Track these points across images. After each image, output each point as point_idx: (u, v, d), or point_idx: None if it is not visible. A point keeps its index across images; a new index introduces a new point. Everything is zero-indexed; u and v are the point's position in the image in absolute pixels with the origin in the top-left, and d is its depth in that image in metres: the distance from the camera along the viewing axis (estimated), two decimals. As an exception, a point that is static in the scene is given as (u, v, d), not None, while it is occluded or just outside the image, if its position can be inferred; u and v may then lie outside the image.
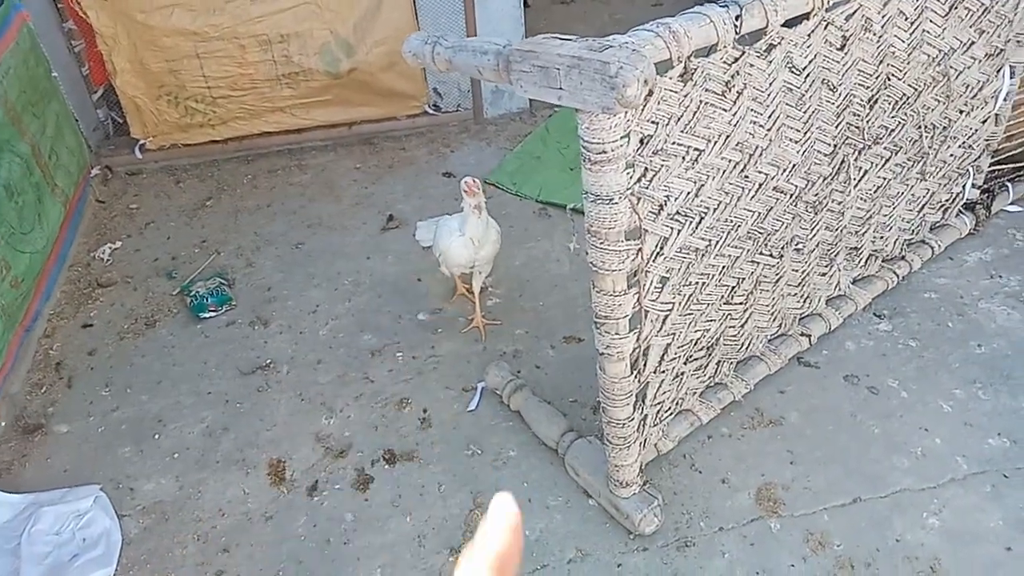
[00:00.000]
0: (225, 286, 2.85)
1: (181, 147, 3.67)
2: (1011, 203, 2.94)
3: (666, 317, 1.84)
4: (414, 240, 2.75)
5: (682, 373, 2.03)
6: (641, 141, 1.56)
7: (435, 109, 3.75)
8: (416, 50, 1.72)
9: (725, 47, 1.62)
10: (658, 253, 1.73)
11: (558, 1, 5.09)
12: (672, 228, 1.74)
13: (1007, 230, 2.88)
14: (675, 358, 1.96)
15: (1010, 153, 2.87)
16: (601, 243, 1.54)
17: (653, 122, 1.57)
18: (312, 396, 2.41)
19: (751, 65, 1.73)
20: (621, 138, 1.45)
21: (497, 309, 2.71)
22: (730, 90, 1.71)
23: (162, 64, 3.40)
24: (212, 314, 2.75)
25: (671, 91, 1.58)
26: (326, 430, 2.29)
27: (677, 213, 1.74)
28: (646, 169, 1.60)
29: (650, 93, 1.28)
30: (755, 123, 1.83)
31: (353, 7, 3.29)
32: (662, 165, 1.64)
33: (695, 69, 1.61)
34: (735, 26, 1.58)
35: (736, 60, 1.69)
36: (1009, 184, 2.90)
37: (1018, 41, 2.41)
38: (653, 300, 1.77)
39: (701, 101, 1.66)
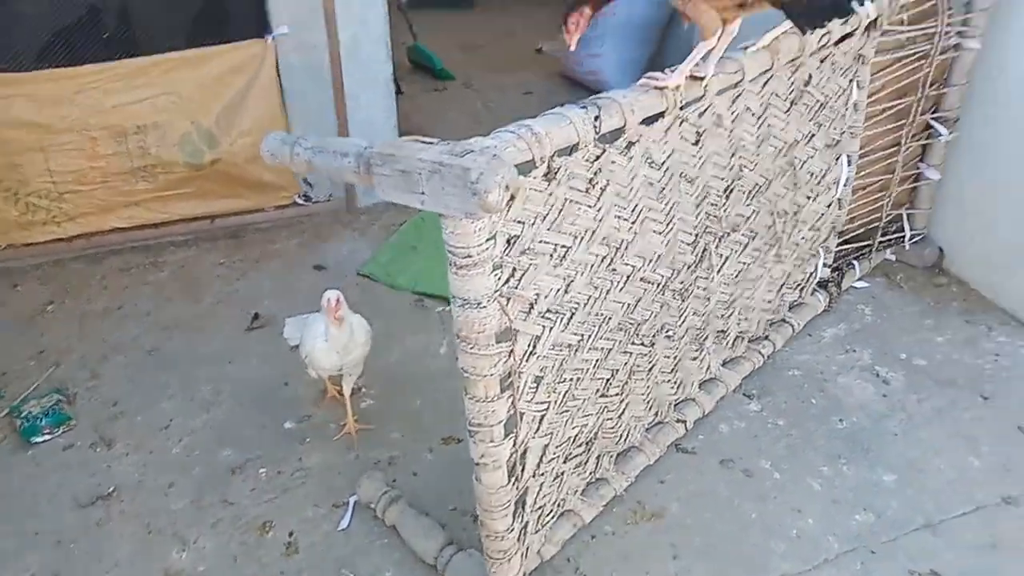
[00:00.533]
0: (64, 403, 2.56)
1: (20, 247, 3.36)
2: (858, 279, 3.14)
3: (543, 417, 1.79)
4: (282, 339, 2.59)
5: (562, 472, 1.97)
6: (508, 242, 1.53)
7: (306, 199, 3.65)
8: (275, 150, 1.63)
9: (586, 146, 1.64)
10: (531, 352, 1.69)
11: (431, 89, 5.16)
12: (544, 326, 1.71)
13: (856, 305, 3.06)
14: (554, 458, 1.91)
15: (854, 233, 3.09)
16: (471, 348, 1.48)
17: (519, 222, 1.55)
18: (161, 526, 2.16)
19: (612, 162, 1.76)
20: (487, 241, 1.41)
21: (371, 411, 2.57)
22: (593, 186, 1.73)
23: (0, 159, 3.13)
24: (47, 437, 2.44)
25: (536, 190, 1.57)
26: (176, 565, 2.04)
27: (548, 311, 1.71)
28: (514, 269, 1.57)
29: (512, 198, 1.25)
30: (619, 217, 1.85)
31: (217, 97, 3.18)
32: (530, 264, 1.61)
33: (559, 168, 1.61)
34: (595, 126, 1.61)
35: (598, 158, 1.72)
36: (855, 262, 3.11)
37: (851, 133, 2.62)
38: (528, 401, 1.71)
39: (566, 199, 1.67)
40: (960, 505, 2.22)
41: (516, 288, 1.58)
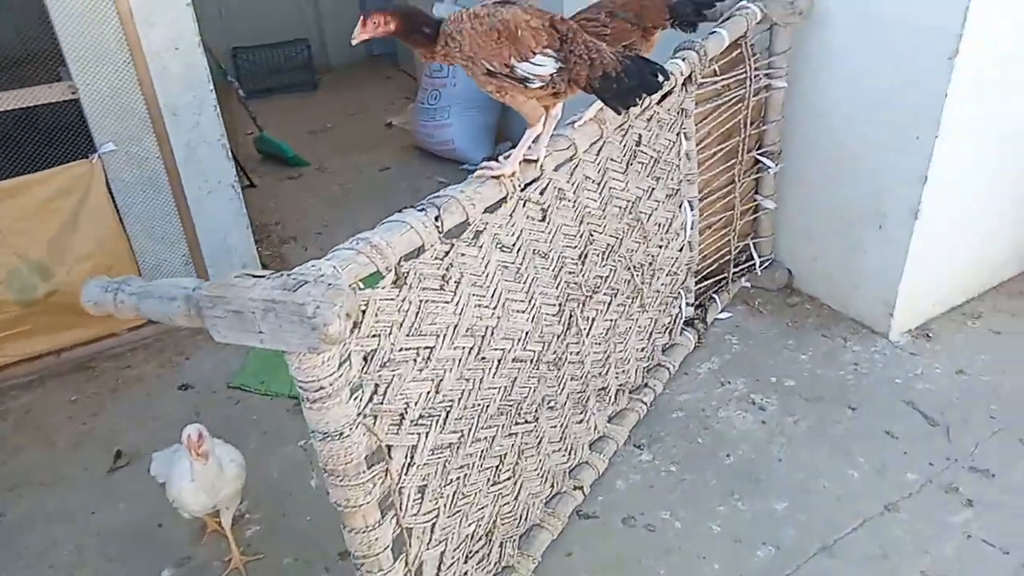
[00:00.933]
0: None
1: None
2: (721, 311, 3.28)
3: (433, 526, 1.73)
4: (150, 476, 2.39)
5: (465, 574, 1.91)
6: (365, 359, 1.49)
7: (159, 315, 3.43)
8: (97, 299, 1.51)
9: (432, 246, 1.63)
10: (409, 464, 1.63)
11: (285, 177, 5.05)
12: (419, 433, 1.66)
13: (724, 336, 3.20)
14: (454, 562, 1.84)
15: (709, 270, 3.24)
16: (341, 480, 1.41)
17: (374, 336, 1.51)
18: None
19: (463, 255, 1.76)
20: (339, 368, 1.36)
21: (258, 538, 2.40)
22: (448, 282, 1.72)
23: None
24: None
25: (387, 300, 1.54)
26: None
27: (421, 417, 1.67)
28: (376, 385, 1.52)
29: (355, 324, 1.21)
30: (480, 306, 1.85)
31: (44, 226, 2.94)
32: (393, 375, 1.57)
33: (407, 273, 1.59)
34: (437, 226, 1.60)
35: (447, 253, 1.71)
36: (716, 296, 3.25)
37: (688, 180, 2.75)
38: (415, 515, 1.65)
39: (421, 301, 1.64)
40: (849, 520, 2.33)
41: (382, 404, 1.53)
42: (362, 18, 1.66)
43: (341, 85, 6.84)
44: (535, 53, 1.57)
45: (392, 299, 1.55)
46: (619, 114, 1.88)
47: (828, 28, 2.85)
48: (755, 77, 2.88)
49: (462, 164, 4.77)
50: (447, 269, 1.70)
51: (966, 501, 2.38)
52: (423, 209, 1.58)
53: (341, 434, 1.36)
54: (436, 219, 1.59)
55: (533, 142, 1.80)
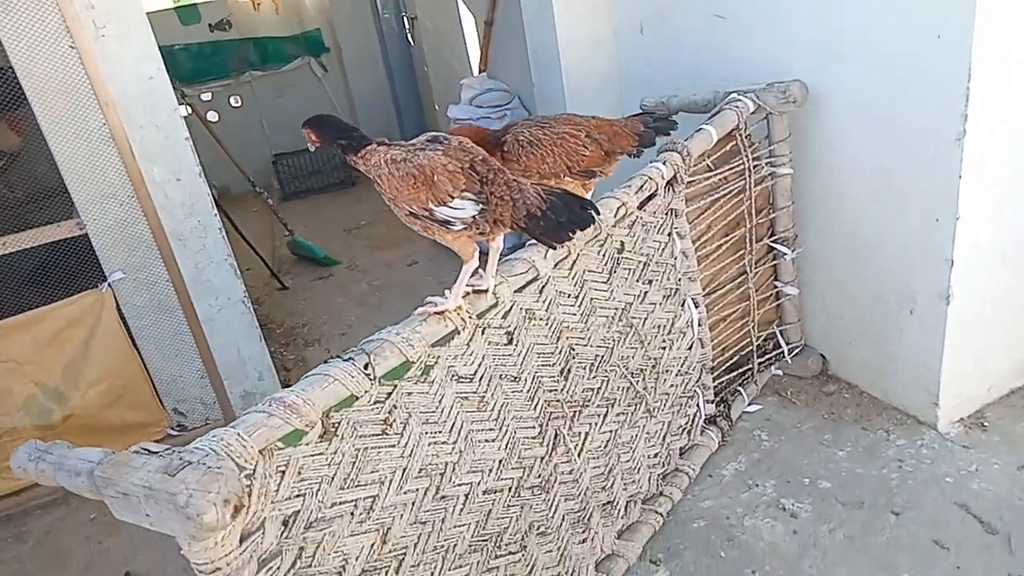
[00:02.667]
0: None
1: None
2: (749, 404, 3.07)
3: None
4: None
5: None
6: (285, 523, 1.40)
7: (180, 429, 3.47)
8: (23, 466, 1.49)
9: (366, 392, 1.55)
10: (350, 627, 1.52)
11: (316, 277, 5.14)
12: (362, 591, 1.55)
13: (752, 432, 2.97)
14: None
15: (730, 363, 3.04)
16: (251, 664, 1.30)
17: (298, 496, 1.43)
18: None
19: (409, 394, 1.67)
20: (244, 541, 1.28)
21: None
22: (391, 426, 1.63)
23: None
24: None
25: (313, 456, 1.46)
26: None
27: (363, 572, 1.56)
28: (301, 549, 1.43)
29: (236, 510, 1.13)
30: (436, 443, 1.75)
31: (58, 355, 3.05)
32: (324, 534, 1.47)
33: (337, 424, 1.51)
34: (367, 375, 1.53)
35: (388, 396, 1.62)
36: (741, 389, 3.05)
37: (689, 278, 2.61)
38: None
39: (358, 449, 1.55)
40: (886, 655, 2.05)
41: (309, 567, 1.43)
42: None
43: (379, 180, 7.02)
44: (453, 197, 1.52)
45: (321, 453, 1.47)
46: (554, 249, 1.79)
47: (826, 114, 2.70)
48: (755, 166, 2.74)
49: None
50: (389, 412, 1.62)
51: (1030, 628, 2.08)
52: (350, 358, 1.51)
53: (248, 615, 1.27)
54: (366, 367, 1.51)
55: (474, 276, 1.72)
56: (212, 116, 6.68)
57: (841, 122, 2.68)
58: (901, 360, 2.83)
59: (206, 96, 6.80)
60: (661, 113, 2.23)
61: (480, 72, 5.04)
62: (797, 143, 2.83)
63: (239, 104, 6.99)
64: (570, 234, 1.53)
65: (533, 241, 1.86)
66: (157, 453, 1.23)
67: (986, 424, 2.79)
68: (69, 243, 2.94)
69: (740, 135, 2.68)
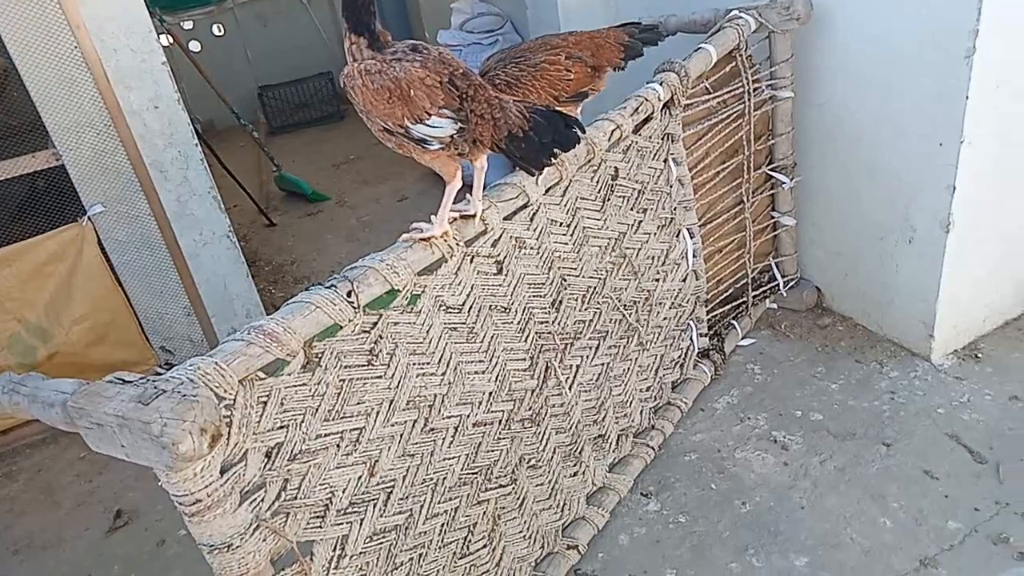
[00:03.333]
0: None
1: None
2: (743, 338, 3.04)
3: (373, 622, 1.59)
4: (148, 537, 2.32)
5: (425, 665, 1.76)
6: (268, 455, 1.36)
7: (168, 367, 3.43)
8: (-2, 399, 1.45)
9: (350, 322, 1.49)
10: (339, 557, 1.50)
11: (305, 214, 5.04)
12: (350, 523, 1.53)
13: (746, 366, 2.95)
14: (406, 655, 1.70)
15: (725, 295, 3.00)
16: (237, 595, 1.28)
17: (281, 427, 1.39)
18: None
19: (395, 324, 1.62)
20: (225, 473, 1.24)
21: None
22: (376, 356, 1.58)
23: None
24: None
25: (295, 386, 1.42)
26: None
27: (351, 505, 1.54)
28: (286, 481, 1.40)
29: (214, 438, 1.09)
30: (424, 374, 1.70)
31: (40, 290, 2.98)
32: (309, 466, 1.44)
33: (322, 353, 1.46)
34: (351, 303, 1.47)
35: (375, 324, 1.57)
36: (735, 322, 3.01)
37: (684, 207, 2.54)
38: (345, 614, 1.52)
39: (343, 380, 1.51)
40: (877, 581, 2.07)
41: (295, 499, 1.41)
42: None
43: (369, 115, 6.84)
44: (430, 114, 1.42)
45: (304, 384, 1.43)
46: (532, 175, 1.70)
47: (831, 33, 2.59)
48: (755, 90, 2.64)
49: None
50: (375, 343, 1.57)
51: (1018, 555, 2.09)
52: (333, 285, 1.45)
53: (230, 545, 1.24)
54: (349, 295, 1.46)
55: (460, 200, 1.65)
56: (194, 46, 6.43)
57: (845, 41, 2.56)
58: (897, 291, 2.79)
59: (187, 25, 6.54)
60: (647, 24, 2.11)
61: (471, -4, 4.83)
62: (798, 65, 2.71)
63: (222, 33, 6.73)
64: (551, 158, 1.45)
65: None
66: (131, 383, 1.18)
67: (980, 356, 2.77)
68: (47, 175, 2.84)
69: (740, 55, 2.57)
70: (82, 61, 2.70)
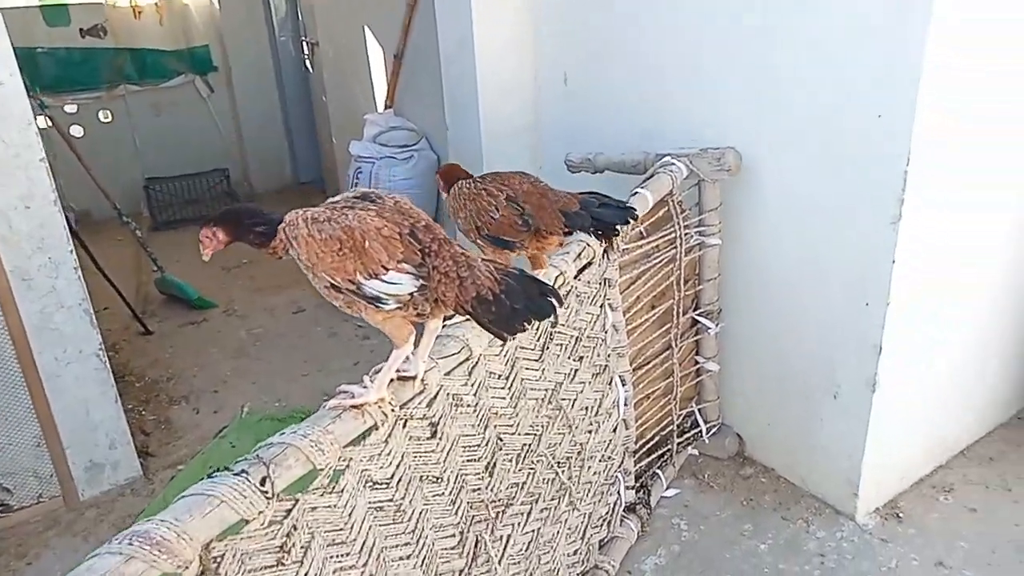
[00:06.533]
0: None
1: None
2: (666, 489, 2.88)
3: None
4: None
5: None
6: None
7: (2, 509, 2.87)
8: None
9: (260, 514, 1.20)
10: None
11: (188, 322, 4.58)
12: None
13: (671, 520, 2.78)
14: None
15: (651, 444, 2.85)
16: None
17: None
18: None
19: (313, 508, 1.33)
20: None
21: None
22: (289, 552, 1.28)
23: None
24: None
25: (184, 605, 1.09)
26: None
27: None
28: None
29: None
30: (341, 568, 1.40)
31: None
32: None
33: (220, 557, 1.15)
34: (264, 493, 1.18)
35: (287, 514, 1.28)
36: (659, 472, 2.86)
37: (618, 354, 2.41)
38: None
39: (244, 585, 1.19)
40: None
41: None
42: (200, 235, 1.42)
43: (265, 216, 6.51)
44: (387, 269, 1.22)
45: (194, 601, 1.11)
46: (504, 341, 1.52)
47: (757, 186, 2.61)
48: (685, 235, 2.60)
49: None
50: (288, 536, 1.27)
51: None
52: (243, 471, 1.16)
53: None
54: (262, 482, 1.17)
55: (405, 360, 1.42)
56: (76, 131, 5.98)
57: (772, 196, 2.59)
58: (821, 447, 2.73)
59: (71, 108, 6.08)
60: (614, 202, 1.96)
61: (386, 108, 4.75)
62: (725, 213, 2.72)
63: (109, 119, 6.30)
64: (525, 324, 1.26)
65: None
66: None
67: (900, 515, 2.73)
68: None
69: (673, 201, 2.54)
70: (-60, 150, 2.32)
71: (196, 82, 6.54)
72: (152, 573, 1.02)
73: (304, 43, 6.33)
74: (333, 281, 1.23)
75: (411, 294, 1.24)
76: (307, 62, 6.40)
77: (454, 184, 1.96)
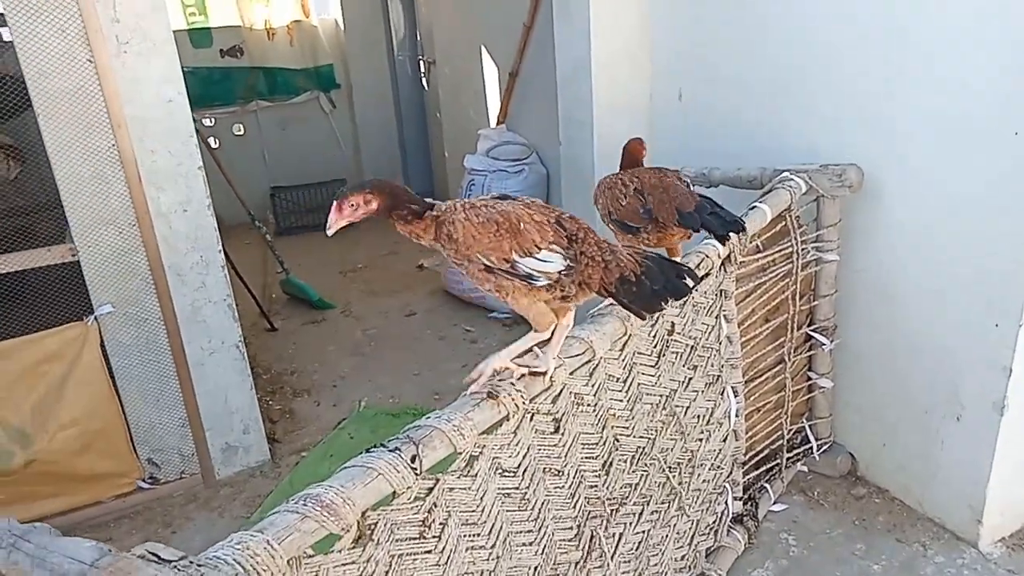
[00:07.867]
0: None
1: None
2: (774, 503, 2.86)
3: None
4: None
5: None
6: (306, 651, 1.15)
7: (151, 481, 3.17)
8: (-10, 551, 1.23)
9: (408, 489, 1.32)
10: None
11: (309, 321, 4.88)
12: None
13: (779, 535, 2.76)
14: None
15: (759, 457, 2.84)
16: None
17: (323, 615, 1.19)
18: None
19: (451, 490, 1.45)
20: None
21: None
22: (430, 527, 1.40)
23: None
24: None
25: (344, 564, 1.23)
26: None
27: None
28: None
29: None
30: (473, 548, 1.51)
31: (29, 391, 2.75)
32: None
33: (375, 524, 1.28)
34: (414, 468, 1.30)
35: (430, 491, 1.40)
36: (767, 485, 2.84)
37: (731, 365, 2.43)
38: None
39: (392, 556, 1.32)
40: None
41: None
42: (336, 203, 1.43)
43: (379, 224, 6.80)
44: (540, 248, 1.34)
45: (352, 562, 1.24)
46: (643, 319, 1.62)
47: (880, 203, 2.58)
48: (802, 251, 2.59)
49: (490, 312, 4.54)
50: (429, 512, 1.39)
51: None
52: (396, 448, 1.29)
53: None
54: (413, 460, 1.29)
55: (540, 348, 1.52)
56: (212, 143, 6.48)
57: (895, 214, 2.55)
58: (942, 470, 2.65)
59: (208, 122, 6.60)
60: (725, 213, 2.07)
61: (498, 123, 4.92)
62: (845, 229, 2.69)
63: (241, 133, 6.80)
64: (663, 303, 1.36)
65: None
66: (170, 562, 0.99)
67: (1029, 546, 2.61)
68: (57, 269, 2.69)
69: (790, 216, 2.54)
70: (117, 159, 2.62)
71: (320, 98, 6.97)
72: (320, 532, 1.16)
73: (421, 62, 6.63)
74: (488, 262, 1.35)
75: (560, 272, 1.35)
76: (423, 80, 6.69)
77: (625, 159, 2.24)
